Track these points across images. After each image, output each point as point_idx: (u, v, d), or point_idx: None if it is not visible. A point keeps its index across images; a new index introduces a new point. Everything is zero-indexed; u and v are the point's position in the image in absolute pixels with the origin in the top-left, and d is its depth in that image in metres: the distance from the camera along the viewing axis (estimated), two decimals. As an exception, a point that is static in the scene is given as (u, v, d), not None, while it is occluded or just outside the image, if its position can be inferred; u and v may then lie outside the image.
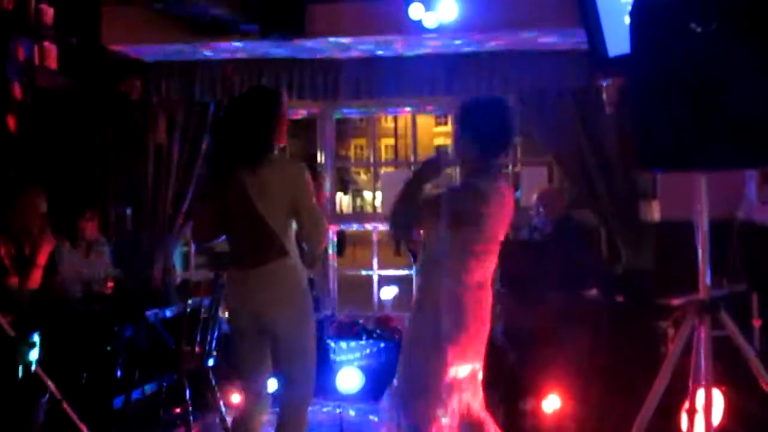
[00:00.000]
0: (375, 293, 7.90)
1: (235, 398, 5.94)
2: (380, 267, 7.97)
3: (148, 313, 6.04)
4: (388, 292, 7.79)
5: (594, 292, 6.22)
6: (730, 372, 3.91)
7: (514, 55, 6.98)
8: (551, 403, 5.75)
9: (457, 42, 6.77)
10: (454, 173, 5.67)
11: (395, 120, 37.12)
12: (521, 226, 7.10)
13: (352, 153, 37.99)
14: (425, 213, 4.05)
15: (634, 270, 6.75)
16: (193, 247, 8.06)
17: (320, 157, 7.93)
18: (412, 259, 4.43)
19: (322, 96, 7.35)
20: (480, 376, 4.16)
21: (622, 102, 6.52)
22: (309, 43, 6.80)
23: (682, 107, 2.94)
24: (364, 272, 8.33)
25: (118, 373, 5.98)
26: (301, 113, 8.00)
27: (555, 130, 7.05)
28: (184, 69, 7.35)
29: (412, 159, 8.33)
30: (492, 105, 4.24)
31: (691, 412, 3.28)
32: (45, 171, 6.34)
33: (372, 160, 9.31)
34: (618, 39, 4.94)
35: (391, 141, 38.18)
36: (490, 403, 4.33)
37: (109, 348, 5.86)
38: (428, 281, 4.12)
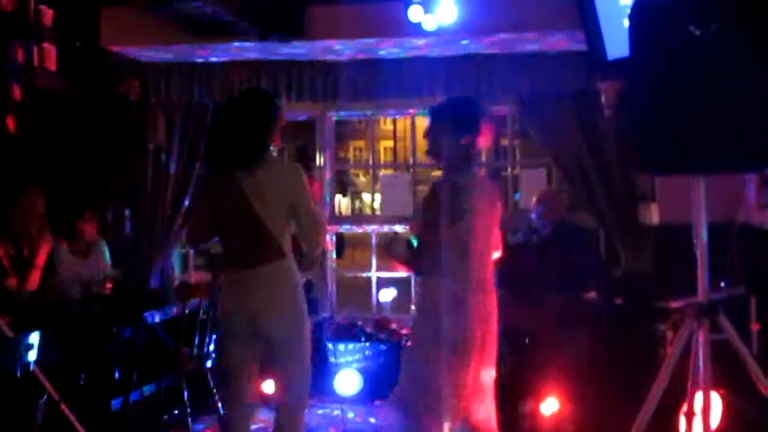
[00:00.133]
0: (374, 295, 7.90)
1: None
2: (379, 269, 7.97)
3: (147, 314, 6.03)
4: (387, 295, 7.79)
5: (593, 294, 6.22)
6: (729, 375, 3.92)
7: (513, 58, 6.99)
8: (550, 406, 5.75)
9: (456, 44, 6.77)
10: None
11: (394, 122, 37.07)
12: (520, 229, 7.10)
13: (351, 155, 37.95)
14: (419, 218, 4.12)
15: (633, 273, 6.75)
16: (191, 249, 8.04)
17: (319, 160, 7.93)
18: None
19: (321, 98, 7.35)
20: (488, 381, 4.15)
21: (621, 105, 6.52)
22: (308, 45, 6.80)
23: (681, 110, 2.94)
24: (362, 274, 8.33)
25: (117, 375, 5.98)
26: (301, 115, 8.00)
27: (554, 133, 7.06)
28: (183, 70, 7.35)
29: (411, 161, 8.32)
30: (459, 102, 4.44)
31: (690, 415, 3.28)
32: (44, 172, 6.34)
33: (371, 162, 9.32)
34: (617, 42, 4.95)
35: (390, 143, 38.11)
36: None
37: (107, 349, 5.86)
38: (428, 283, 4.13)
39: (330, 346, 7.09)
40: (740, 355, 3.09)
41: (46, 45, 6.47)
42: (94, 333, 5.81)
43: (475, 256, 4.09)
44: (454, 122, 4.20)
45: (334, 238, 8.00)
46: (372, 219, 8.99)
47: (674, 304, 5.28)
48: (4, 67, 6.15)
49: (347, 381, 6.94)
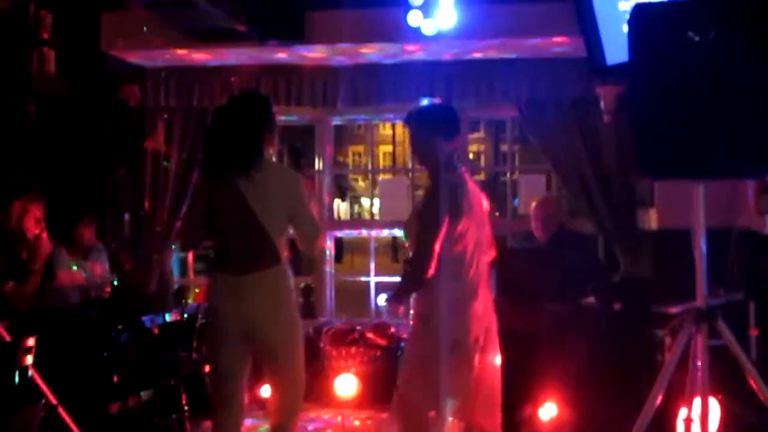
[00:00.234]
0: (372, 300, 7.90)
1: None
2: (377, 274, 7.96)
3: (145, 318, 6.03)
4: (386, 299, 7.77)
5: (592, 300, 6.22)
6: (727, 381, 3.91)
7: (513, 63, 7.00)
8: (548, 411, 5.75)
9: (456, 49, 6.78)
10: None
11: (393, 127, 37.06)
12: (519, 234, 7.11)
13: (350, 160, 37.98)
14: (415, 225, 4.14)
15: (632, 278, 6.75)
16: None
17: (318, 164, 7.93)
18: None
19: (321, 102, 7.35)
20: (494, 385, 4.17)
21: (620, 110, 6.54)
22: (308, 50, 6.80)
23: (680, 116, 2.95)
24: (361, 279, 8.32)
25: (115, 379, 5.97)
26: (300, 120, 8.00)
27: (553, 138, 7.06)
28: (182, 75, 7.35)
29: (410, 166, 8.32)
30: (441, 106, 4.64)
31: (688, 421, 3.28)
32: (43, 176, 6.34)
33: (370, 166, 9.34)
34: (616, 48, 4.94)
35: (389, 148, 38.11)
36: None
37: (105, 353, 5.86)
38: (426, 285, 4.12)
39: (328, 350, 7.08)
40: (739, 360, 3.08)
41: (45, 49, 6.47)
42: (93, 337, 5.81)
43: (474, 256, 4.12)
44: (443, 126, 4.26)
45: (332, 243, 8.00)
46: (371, 224, 8.99)
47: (673, 310, 5.28)
48: (4, 72, 6.15)
49: (346, 385, 6.93)
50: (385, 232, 7.77)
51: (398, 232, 7.51)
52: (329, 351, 7.07)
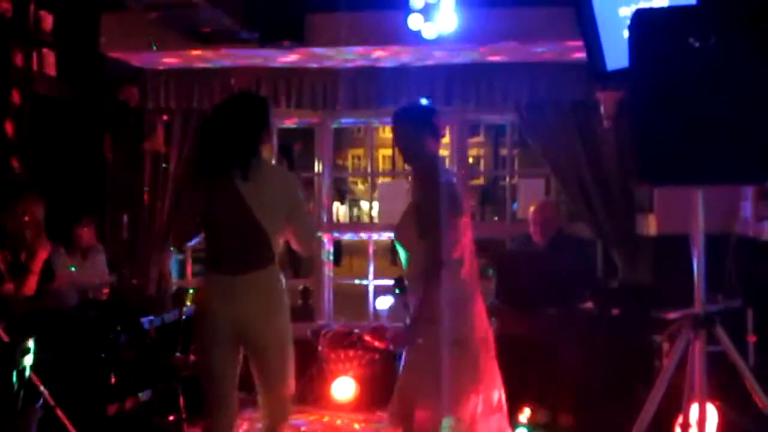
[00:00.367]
0: (371, 303, 7.89)
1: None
2: (376, 277, 7.96)
3: (143, 320, 6.02)
4: (384, 302, 7.78)
5: (589, 305, 6.22)
6: (725, 387, 3.91)
7: (513, 68, 7.01)
8: (545, 416, 5.74)
9: (456, 53, 6.78)
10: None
11: (393, 130, 37.12)
12: (517, 238, 7.11)
13: (349, 163, 37.98)
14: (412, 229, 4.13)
15: (630, 283, 6.75)
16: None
17: (318, 167, 7.93)
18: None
19: (321, 105, 7.36)
20: (496, 397, 4.18)
21: (620, 115, 6.54)
22: (308, 53, 6.81)
23: (680, 121, 2.95)
24: (359, 282, 8.32)
25: (113, 380, 5.96)
26: (300, 122, 8.00)
27: (553, 143, 7.06)
28: (182, 77, 7.35)
29: (409, 169, 8.29)
30: (428, 107, 4.59)
31: (685, 427, 3.28)
32: (42, 177, 6.34)
33: (369, 170, 9.30)
34: (616, 53, 4.95)
35: (388, 151, 38.06)
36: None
37: (103, 355, 5.85)
38: (427, 285, 4.11)
39: (326, 353, 7.08)
40: (737, 367, 3.09)
41: (45, 50, 6.47)
42: (90, 338, 5.80)
43: (472, 255, 4.15)
44: (432, 125, 4.27)
45: (331, 246, 8.00)
46: (370, 227, 8.98)
47: (671, 315, 5.28)
48: (4, 73, 6.15)
49: (343, 388, 6.93)
50: (385, 236, 7.75)
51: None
52: (327, 354, 7.07)
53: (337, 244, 8.05)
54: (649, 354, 5.64)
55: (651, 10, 3.22)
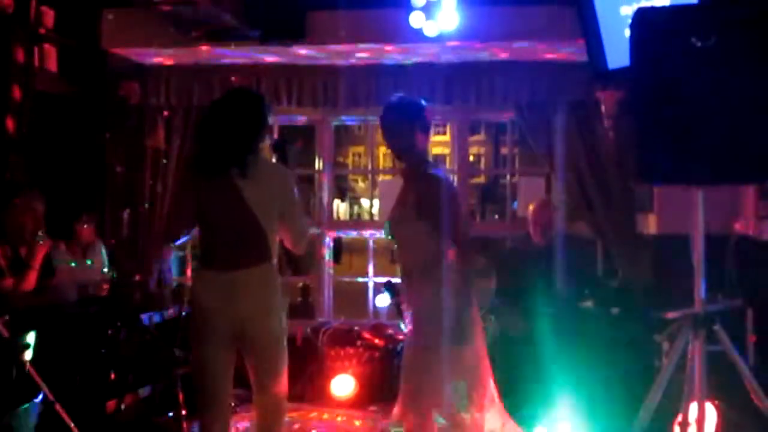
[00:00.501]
0: (370, 301, 7.90)
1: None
2: (376, 274, 7.97)
3: (143, 316, 6.02)
4: (384, 300, 7.78)
5: (589, 304, 6.21)
6: (724, 386, 3.91)
7: (514, 66, 7.01)
8: (545, 416, 5.74)
9: (457, 51, 6.78)
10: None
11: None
12: (517, 237, 7.11)
13: (350, 161, 38.06)
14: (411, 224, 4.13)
15: (630, 283, 6.75)
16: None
17: (318, 165, 7.94)
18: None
19: (321, 103, 7.35)
20: (493, 395, 4.20)
21: (620, 115, 6.53)
22: (308, 50, 6.81)
23: (681, 121, 2.95)
24: (359, 279, 8.32)
25: (112, 377, 5.97)
26: (300, 120, 8.00)
27: (553, 142, 7.06)
28: (183, 74, 7.35)
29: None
30: (414, 100, 4.43)
31: (684, 426, 3.28)
32: (43, 174, 6.34)
33: (370, 167, 9.33)
34: (618, 52, 4.94)
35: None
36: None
37: (103, 351, 5.86)
38: (426, 286, 4.12)
39: (326, 350, 7.08)
40: (736, 366, 3.09)
41: (47, 46, 6.47)
42: (90, 334, 5.80)
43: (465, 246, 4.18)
44: (423, 119, 4.27)
45: (331, 243, 8.01)
46: (370, 224, 8.98)
47: (671, 315, 5.26)
48: (5, 68, 6.15)
49: (343, 386, 6.93)
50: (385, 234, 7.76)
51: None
52: (327, 351, 7.08)
53: (338, 242, 8.04)
54: (649, 353, 5.64)
55: (652, 9, 3.22)
